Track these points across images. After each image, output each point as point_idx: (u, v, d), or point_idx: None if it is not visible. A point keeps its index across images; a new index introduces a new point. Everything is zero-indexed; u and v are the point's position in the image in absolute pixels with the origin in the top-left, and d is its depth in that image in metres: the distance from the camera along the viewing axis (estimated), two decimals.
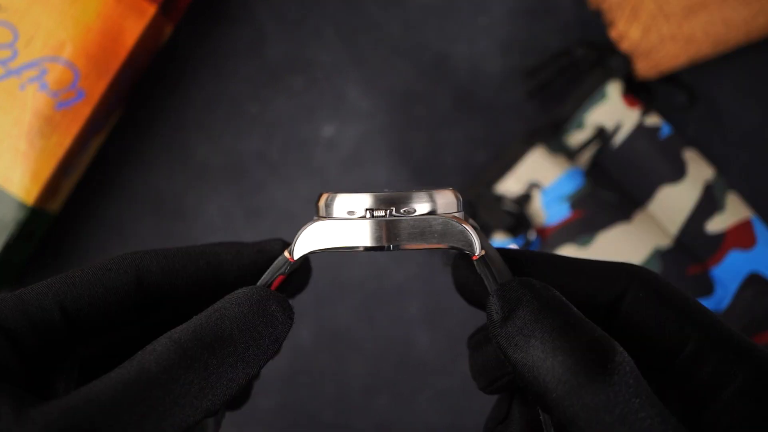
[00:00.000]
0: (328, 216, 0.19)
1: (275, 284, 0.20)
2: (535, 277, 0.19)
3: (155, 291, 0.19)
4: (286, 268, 0.20)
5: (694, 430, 0.17)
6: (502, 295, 0.18)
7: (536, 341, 0.16)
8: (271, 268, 0.20)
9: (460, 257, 0.21)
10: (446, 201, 0.19)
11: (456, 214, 0.19)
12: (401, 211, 0.19)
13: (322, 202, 0.20)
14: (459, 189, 0.45)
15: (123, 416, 0.14)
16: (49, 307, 0.18)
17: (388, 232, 0.19)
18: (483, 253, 0.19)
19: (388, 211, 0.19)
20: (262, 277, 0.20)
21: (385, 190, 0.20)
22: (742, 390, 0.16)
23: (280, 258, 0.20)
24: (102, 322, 0.19)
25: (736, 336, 0.18)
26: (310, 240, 0.19)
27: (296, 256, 0.19)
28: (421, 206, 0.19)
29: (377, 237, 0.19)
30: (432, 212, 0.19)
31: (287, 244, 0.21)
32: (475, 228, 0.19)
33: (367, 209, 0.19)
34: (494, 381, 0.21)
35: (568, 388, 0.15)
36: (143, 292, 0.19)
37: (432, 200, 0.19)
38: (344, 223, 0.19)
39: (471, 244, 0.19)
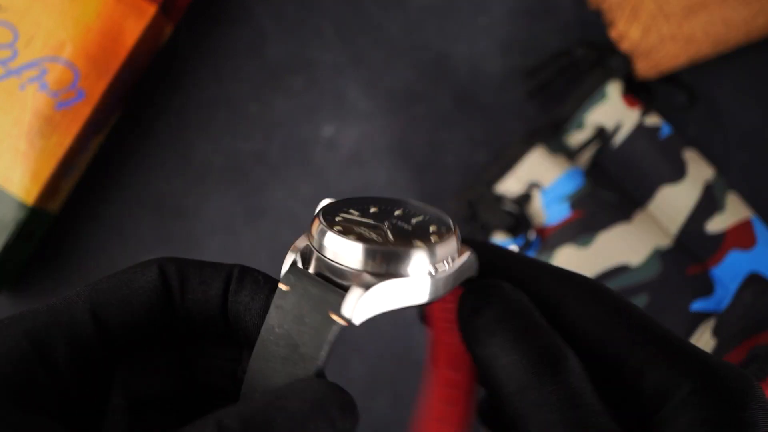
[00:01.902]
0: (390, 275, 0.18)
1: None
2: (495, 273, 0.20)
3: (177, 295, 0.19)
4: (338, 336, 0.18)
5: None
6: (475, 291, 0.19)
7: (497, 339, 0.17)
8: (329, 345, 0.18)
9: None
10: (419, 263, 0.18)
11: (363, 285, 0.17)
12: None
13: (315, 231, 0.19)
14: (458, 191, 0.45)
15: None
16: (80, 315, 0.17)
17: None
18: (344, 324, 0.17)
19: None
20: (323, 355, 0.18)
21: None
22: (685, 400, 0.17)
23: (333, 328, 0.17)
24: (133, 326, 0.18)
25: (682, 345, 0.18)
26: (372, 305, 0.17)
27: (359, 321, 0.17)
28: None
29: (436, 291, 0.18)
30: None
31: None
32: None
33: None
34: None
35: (518, 385, 0.17)
36: (168, 293, 0.19)
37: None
38: (406, 282, 0.18)
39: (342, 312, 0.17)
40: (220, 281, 0.19)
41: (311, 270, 0.18)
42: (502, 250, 0.21)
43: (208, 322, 0.19)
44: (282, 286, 0.18)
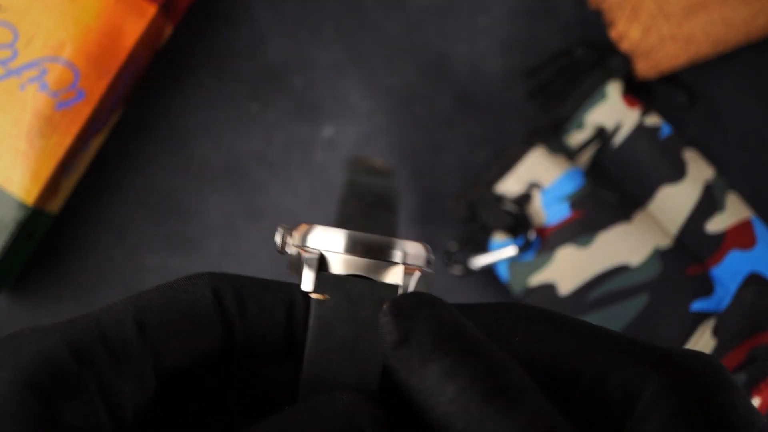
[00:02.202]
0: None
1: None
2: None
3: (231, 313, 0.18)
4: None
5: None
6: (396, 313, 0.16)
7: (434, 365, 0.15)
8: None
9: None
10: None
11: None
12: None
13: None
14: (458, 191, 0.45)
15: None
16: (127, 328, 0.16)
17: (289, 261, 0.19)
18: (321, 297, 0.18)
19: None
20: None
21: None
22: (656, 396, 0.15)
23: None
24: (182, 353, 0.17)
25: (639, 346, 0.17)
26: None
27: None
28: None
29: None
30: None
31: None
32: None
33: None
34: None
35: (471, 418, 0.14)
36: (224, 320, 0.17)
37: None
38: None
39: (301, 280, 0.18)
40: (281, 307, 0.18)
41: (341, 272, 0.18)
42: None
43: (269, 347, 0.18)
44: (317, 296, 0.18)
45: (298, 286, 0.18)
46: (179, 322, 0.17)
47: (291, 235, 0.19)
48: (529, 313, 0.18)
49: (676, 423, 0.15)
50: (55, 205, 0.43)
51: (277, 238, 0.19)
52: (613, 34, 0.43)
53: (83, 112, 0.40)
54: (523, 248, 0.42)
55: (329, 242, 0.18)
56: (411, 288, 0.18)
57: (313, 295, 0.18)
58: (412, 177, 0.46)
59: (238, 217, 0.46)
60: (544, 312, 0.18)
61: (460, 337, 0.16)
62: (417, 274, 0.18)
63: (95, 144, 0.43)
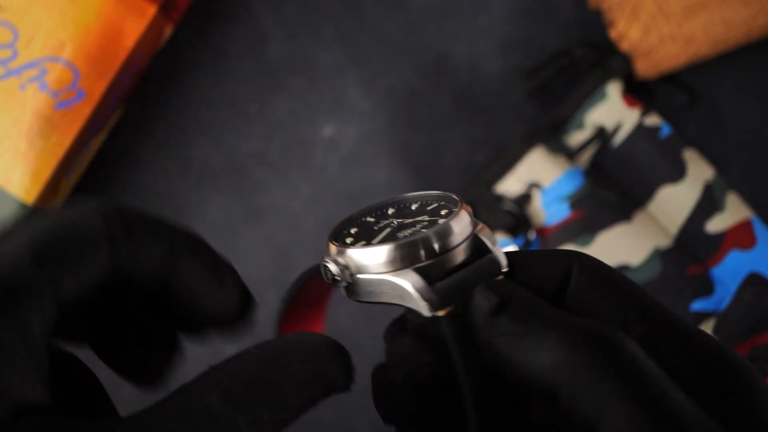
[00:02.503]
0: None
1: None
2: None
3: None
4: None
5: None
6: (493, 288, 0.17)
7: (535, 335, 0.16)
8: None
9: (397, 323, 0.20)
10: (412, 252, 0.18)
11: (407, 271, 0.17)
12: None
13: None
14: (458, 191, 0.45)
15: None
16: (23, 267, 0.15)
17: (355, 291, 0.18)
18: (445, 311, 0.17)
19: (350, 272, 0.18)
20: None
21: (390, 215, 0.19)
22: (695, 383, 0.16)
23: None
24: (75, 277, 0.16)
25: (682, 324, 0.17)
26: None
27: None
28: (381, 264, 0.18)
29: (349, 295, 0.19)
30: (392, 270, 0.18)
31: None
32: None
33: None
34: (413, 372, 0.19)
35: (575, 380, 0.15)
36: (112, 248, 0.17)
37: (392, 256, 0.18)
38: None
39: (417, 307, 0.17)
40: (161, 248, 0.18)
41: (438, 278, 0.18)
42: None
43: (146, 286, 0.18)
44: (442, 313, 0.17)
45: (176, 229, 0.18)
46: (71, 249, 0.16)
47: (340, 264, 0.18)
48: (584, 263, 0.19)
49: (601, 406, 0.15)
50: (55, 205, 0.43)
51: (333, 269, 0.18)
52: (613, 34, 0.43)
53: (83, 112, 0.40)
54: (523, 248, 0.42)
55: (409, 257, 0.17)
56: (496, 247, 0.18)
57: (441, 313, 0.17)
58: (412, 177, 0.46)
59: (238, 217, 0.46)
60: (599, 266, 0.19)
61: (549, 309, 0.17)
62: (487, 232, 0.18)
63: (95, 144, 0.43)
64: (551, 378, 0.16)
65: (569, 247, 0.42)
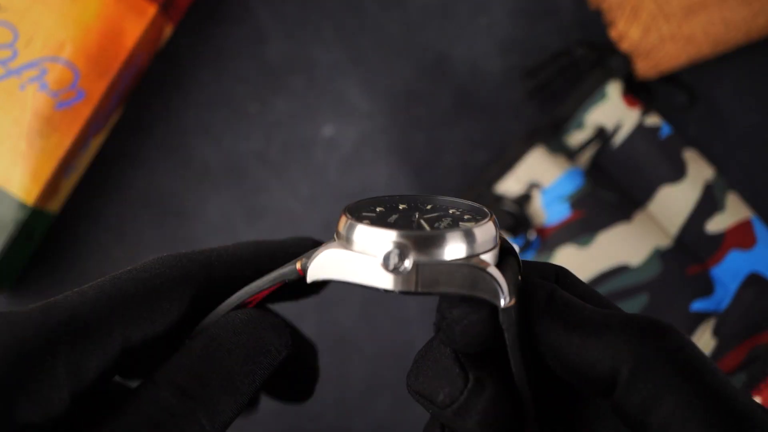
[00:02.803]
0: (349, 244, 0.17)
1: (271, 289, 0.19)
2: None
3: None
4: (290, 279, 0.18)
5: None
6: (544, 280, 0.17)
7: (594, 325, 0.16)
8: (277, 273, 0.18)
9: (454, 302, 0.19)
10: (485, 238, 0.17)
11: (487, 256, 0.17)
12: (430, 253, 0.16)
13: (342, 227, 0.18)
14: (458, 191, 0.45)
15: None
16: (107, 337, 0.17)
17: (412, 279, 0.17)
18: (513, 302, 0.16)
19: (413, 255, 0.16)
20: (264, 279, 0.19)
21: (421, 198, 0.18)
22: (635, 367, 0.16)
23: (290, 267, 0.18)
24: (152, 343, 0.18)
25: (615, 318, 0.17)
26: (327, 267, 0.17)
27: (310, 279, 0.18)
28: (438, 251, 0.16)
29: (400, 283, 0.17)
30: (468, 255, 0.16)
31: (315, 244, 0.20)
32: (505, 267, 0.17)
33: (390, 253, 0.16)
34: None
35: (639, 372, 0.15)
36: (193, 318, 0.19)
37: (468, 241, 0.17)
38: (368, 260, 0.17)
39: (497, 295, 0.16)
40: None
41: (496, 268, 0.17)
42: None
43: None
44: (512, 303, 0.17)
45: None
46: (144, 302, 0.17)
47: (407, 249, 0.16)
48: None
49: (660, 392, 0.15)
50: (55, 205, 0.43)
51: (394, 259, 0.16)
52: (613, 34, 0.43)
53: (83, 112, 0.40)
54: (523, 248, 0.42)
55: (485, 241, 0.17)
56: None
57: (511, 304, 0.16)
58: (412, 177, 0.46)
59: (238, 217, 0.46)
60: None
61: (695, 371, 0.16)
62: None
63: (95, 144, 0.43)
64: (609, 367, 0.16)
65: (569, 247, 0.42)
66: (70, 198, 0.45)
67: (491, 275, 0.16)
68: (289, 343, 0.18)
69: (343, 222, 0.18)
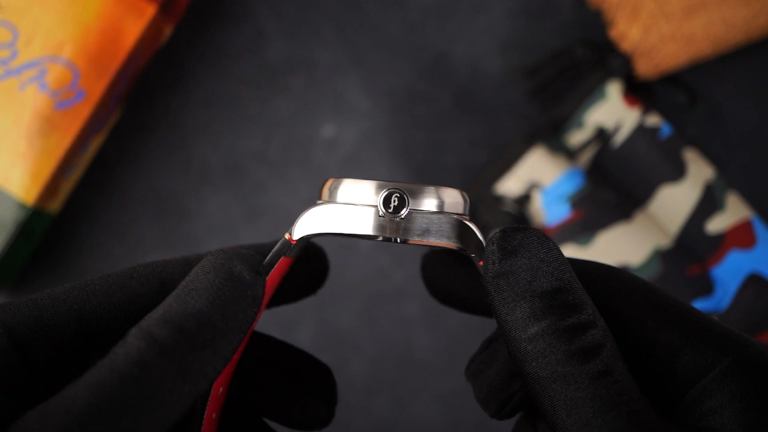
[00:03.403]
0: (332, 201, 0.19)
1: (280, 268, 0.19)
2: None
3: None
4: (288, 251, 0.19)
5: (670, 417, 0.17)
6: (503, 245, 0.17)
7: (525, 304, 0.16)
8: (273, 251, 0.19)
9: (433, 256, 0.21)
10: (453, 201, 0.19)
11: (464, 216, 0.19)
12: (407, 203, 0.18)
13: (326, 187, 0.19)
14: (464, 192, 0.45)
15: (101, 420, 0.14)
16: (65, 317, 0.17)
17: (394, 223, 0.18)
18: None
19: (395, 200, 0.18)
20: (266, 260, 0.19)
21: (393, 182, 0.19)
22: (719, 378, 0.16)
23: (281, 241, 0.19)
24: (122, 330, 0.18)
25: (716, 328, 0.17)
26: (311, 222, 0.18)
27: (296, 236, 0.19)
28: (429, 201, 0.18)
29: (382, 227, 0.18)
30: (440, 210, 0.18)
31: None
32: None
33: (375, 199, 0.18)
34: (504, 403, 0.20)
35: (545, 359, 0.16)
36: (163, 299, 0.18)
37: (439, 197, 0.18)
38: (349, 209, 0.18)
39: (481, 249, 0.18)
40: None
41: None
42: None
43: None
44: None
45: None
46: (117, 305, 0.18)
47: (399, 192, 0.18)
48: (629, 281, 0.18)
49: (739, 404, 0.15)
50: (55, 205, 0.43)
51: (395, 202, 0.18)
52: (613, 33, 0.43)
53: (83, 112, 0.40)
54: None
55: (461, 203, 0.19)
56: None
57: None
58: (412, 177, 0.46)
59: (238, 217, 0.46)
60: (644, 283, 0.18)
61: (556, 283, 0.16)
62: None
63: (95, 144, 0.43)
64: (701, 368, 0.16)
65: (569, 246, 0.42)
66: (70, 198, 0.45)
67: (473, 230, 0.18)
68: (261, 270, 0.17)
69: (328, 184, 0.19)
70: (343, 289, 0.46)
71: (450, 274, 0.21)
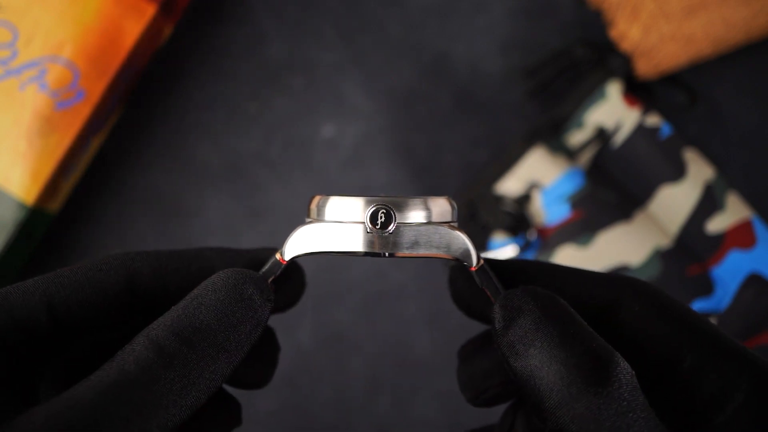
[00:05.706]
0: (320, 219, 0.19)
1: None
2: (539, 285, 0.18)
3: (146, 293, 0.19)
4: (277, 270, 0.19)
5: None
6: (504, 303, 0.17)
7: (535, 350, 0.16)
8: (264, 270, 0.19)
9: (458, 269, 0.21)
10: (441, 209, 0.19)
11: (452, 224, 0.19)
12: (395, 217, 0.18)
13: (314, 205, 0.19)
14: (458, 191, 0.45)
15: (104, 421, 0.14)
16: (35, 307, 0.17)
17: (383, 239, 0.18)
18: (482, 263, 0.19)
19: (381, 216, 0.18)
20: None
21: (381, 194, 0.19)
22: (745, 404, 0.16)
23: (272, 259, 0.19)
24: (90, 322, 0.18)
25: (736, 346, 0.17)
26: (301, 242, 0.19)
27: (287, 257, 0.19)
28: (416, 214, 0.18)
29: (371, 243, 0.18)
30: (428, 221, 0.19)
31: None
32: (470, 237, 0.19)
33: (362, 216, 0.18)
34: (480, 393, 0.21)
35: (561, 397, 0.15)
36: (133, 294, 0.19)
37: (427, 208, 0.19)
38: (337, 227, 0.19)
39: (469, 255, 0.19)
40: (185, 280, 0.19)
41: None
42: (541, 262, 0.20)
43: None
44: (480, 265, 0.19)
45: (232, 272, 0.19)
46: (88, 297, 0.18)
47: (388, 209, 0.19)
48: (645, 292, 0.19)
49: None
50: (55, 205, 0.43)
51: (381, 218, 0.19)
52: (613, 33, 0.43)
53: (83, 112, 0.40)
54: (524, 248, 0.42)
55: (448, 211, 0.19)
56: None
57: (481, 264, 0.19)
58: (412, 177, 0.46)
59: (238, 217, 0.46)
60: (659, 293, 0.19)
61: (561, 325, 0.17)
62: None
63: (95, 144, 0.43)
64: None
65: (569, 247, 0.42)
66: (70, 198, 0.45)
67: (461, 236, 0.19)
68: (271, 297, 0.18)
69: (315, 201, 0.19)
70: (342, 290, 0.46)
71: (468, 287, 0.21)
